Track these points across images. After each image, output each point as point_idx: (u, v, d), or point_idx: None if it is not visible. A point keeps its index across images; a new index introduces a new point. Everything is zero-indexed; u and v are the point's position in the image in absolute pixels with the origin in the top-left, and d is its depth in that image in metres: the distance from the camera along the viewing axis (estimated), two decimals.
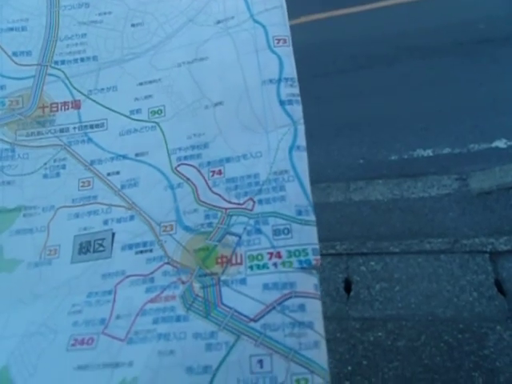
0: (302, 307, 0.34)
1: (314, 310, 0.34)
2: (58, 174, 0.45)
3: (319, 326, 0.34)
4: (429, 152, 1.99)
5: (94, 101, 0.47)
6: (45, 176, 0.45)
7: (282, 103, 0.42)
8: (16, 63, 0.49)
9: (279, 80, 0.43)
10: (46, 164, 0.45)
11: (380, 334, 1.34)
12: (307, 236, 0.37)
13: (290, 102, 0.42)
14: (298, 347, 0.33)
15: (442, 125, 2.06)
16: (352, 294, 1.48)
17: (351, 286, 1.50)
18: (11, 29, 0.50)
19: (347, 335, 1.35)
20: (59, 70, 0.48)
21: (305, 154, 0.41)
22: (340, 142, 2.14)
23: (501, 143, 1.92)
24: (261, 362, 0.33)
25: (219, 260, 0.38)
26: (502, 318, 1.30)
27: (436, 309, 1.37)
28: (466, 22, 2.60)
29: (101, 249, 0.41)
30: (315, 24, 2.96)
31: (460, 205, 1.71)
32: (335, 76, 2.51)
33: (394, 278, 1.48)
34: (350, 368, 1.27)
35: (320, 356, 0.33)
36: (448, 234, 1.59)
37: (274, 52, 0.44)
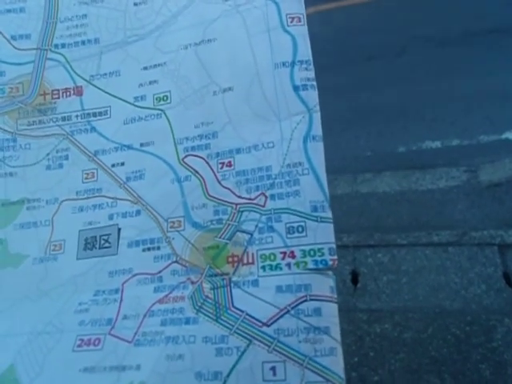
0: (317, 311, 0.32)
1: (331, 315, 0.32)
2: (61, 165, 0.43)
3: (336, 331, 0.32)
4: (437, 144, 1.97)
5: (97, 87, 0.45)
6: (48, 167, 0.43)
7: (295, 88, 0.39)
8: (15, 47, 0.46)
9: (293, 63, 0.40)
10: (48, 154, 0.44)
11: (387, 325, 1.34)
12: (323, 234, 0.35)
13: (305, 87, 0.39)
14: (313, 354, 0.31)
15: (452, 116, 2.04)
16: (359, 285, 1.48)
17: (358, 277, 1.50)
18: (9, 10, 0.47)
19: (354, 327, 1.35)
20: (59, 53, 0.46)
21: (321, 145, 0.38)
22: (347, 133, 2.13)
23: (511, 135, 1.90)
24: (274, 368, 0.31)
25: (230, 259, 0.36)
26: (510, 311, 1.29)
27: (443, 301, 1.36)
28: (476, 11, 2.56)
29: (107, 245, 0.40)
30: (324, 14, 2.93)
31: (469, 197, 1.70)
32: (343, 67, 2.49)
33: (401, 270, 1.48)
34: (356, 359, 1.28)
35: (336, 363, 0.31)
36: (456, 226, 1.58)
37: (287, 32, 0.40)
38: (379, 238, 1.59)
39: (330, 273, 0.34)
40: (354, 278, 1.51)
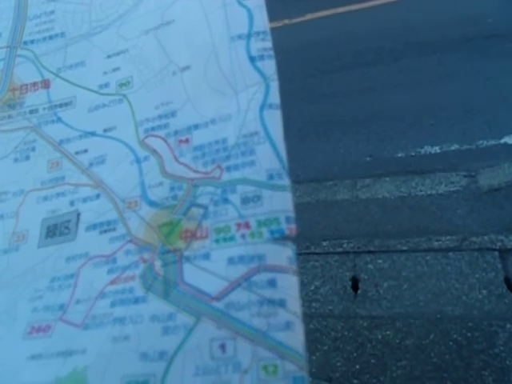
0: (272, 283, 0.31)
1: (288, 286, 0.30)
2: (27, 157, 0.44)
3: (293, 304, 0.30)
4: (436, 149, 1.97)
5: (63, 78, 0.46)
6: (15, 160, 0.44)
7: (252, 59, 0.38)
8: None
9: (249, 35, 0.39)
10: (16, 148, 0.44)
11: (388, 332, 1.33)
12: (280, 202, 0.33)
13: (262, 58, 0.38)
14: (266, 328, 0.29)
15: (450, 121, 2.04)
16: (359, 292, 1.47)
17: (359, 284, 1.50)
18: None
19: (355, 333, 1.34)
20: (28, 50, 0.47)
21: (278, 113, 0.36)
22: (347, 139, 2.13)
23: (510, 139, 1.90)
24: (223, 346, 0.30)
25: (183, 235, 0.35)
26: (511, 316, 1.29)
27: (445, 307, 1.36)
28: (473, 16, 2.57)
29: (66, 231, 0.40)
30: (321, 21, 2.95)
31: (468, 202, 1.70)
32: (341, 73, 2.50)
33: (401, 276, 1.47)
34: (358, 367, 1.27)
35: (293, 339, 0.29)
36: (456, 231, 1.58)
37: (242, 5, 0.40)
38: (379, 243, 1.59)
39: (290, 243, 0.32)
40: (355, 284, 1.50)
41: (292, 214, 0.33)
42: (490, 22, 2.50)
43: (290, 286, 0.30)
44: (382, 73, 2.40)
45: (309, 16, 2.97)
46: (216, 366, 0.29)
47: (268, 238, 0.32)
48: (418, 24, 2.64)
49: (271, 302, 0.30)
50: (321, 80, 2.41)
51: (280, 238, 0.32)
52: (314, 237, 1.64)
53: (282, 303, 0.30)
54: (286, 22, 2.86)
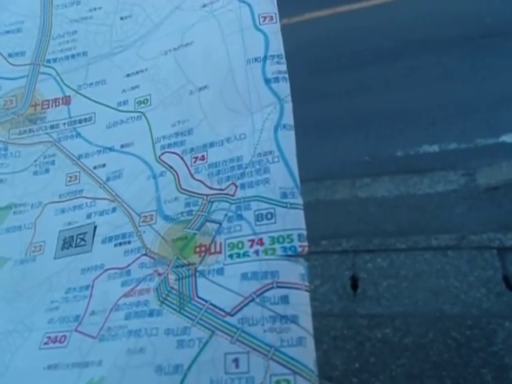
0: (284, 299, 0.31)
1: (300, 303, 0.31)
2: (47, 170, 0.45)
3: (305, 320, 0.30)
4: (435, 148, 1.97)
5: (83, 95, 0.47)
6: (35, 173, 0.45)
7: (267, 81, 0.40)
8: (11, 64, 0.50)
9: (265, 58, 0.41)
10: (36, 161, 0.46)
11: (387, 330, 1.33)
12: (293, 220, 0.34)
13: (277, 80, 0.40)
14: (278, 344, 0.29)
15: (449, 120, 2.05)
16: (359, 291, 1.48)
17: (358, 283, 1.50)
18: (8, 32, 0.51)
19: (354, 332, 1.35)
20: (51, 67, 0.49)
21: (292, 133, 0.38)
22: (345, 138, 2.14)
23: (508, 138, 1.91)
24: (236, 360, 0.30)
25: (197, 249, 0.36)
26: (510, 314, 1.29)
27: (444, 305, 1.36)
28: (471, 16, 2.57)
29: (82, 243, 0.40)
30: (319, 20, 2.95)
31: (467, 200, 1.70)
32: (340, 72, 2.50)
33: (400, 275, 1.48)
34: (357, 365, 1.27)
35: (305, 354, 0.29)
36: (455, 229, 1.58)
37: (259, 30, 0.42)
38: (378, 242, 1.59)
39: (302, 260, 0.33)
40: (354, 283, 1.51)
41: (304, 232, 0.34)
42: (488, 22, 2.50)
43: (302, 303, 0.31)
44: (380, 72, 2.41)
45: (307, 16, 2.97)
46: (230, 380, 0.29)
47: (281, 255, 0.33)
48: (416, 24, 2.64)
49: (284, 317, 0.30)
50: (320, 80, 2.41)
51: (293, 255, 0.33)
52: (313, 236, 1.64)
53: (294, 319, 0.30)
54: (285, 21, 2.86)
